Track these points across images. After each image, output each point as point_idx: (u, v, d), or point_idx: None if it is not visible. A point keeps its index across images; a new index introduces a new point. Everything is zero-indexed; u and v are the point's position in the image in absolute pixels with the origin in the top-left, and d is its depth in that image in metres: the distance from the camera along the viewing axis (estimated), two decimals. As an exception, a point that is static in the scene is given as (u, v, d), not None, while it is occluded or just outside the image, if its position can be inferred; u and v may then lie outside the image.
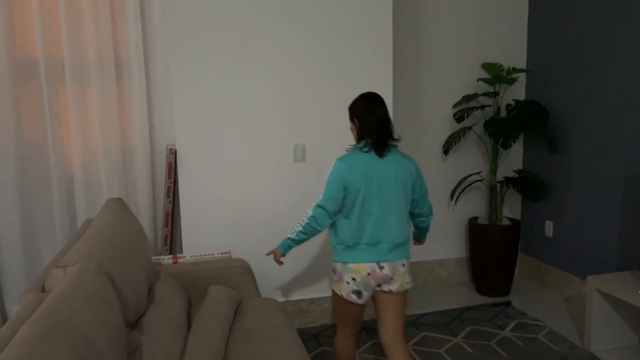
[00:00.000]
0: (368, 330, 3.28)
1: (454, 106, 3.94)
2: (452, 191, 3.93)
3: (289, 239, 2.37)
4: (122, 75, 3.13)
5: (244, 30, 3.04)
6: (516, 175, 3.96)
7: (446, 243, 4.10)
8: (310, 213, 2.27)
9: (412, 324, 3.36)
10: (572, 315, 3.45)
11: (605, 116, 3.33)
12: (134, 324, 1.89)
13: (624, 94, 3.19)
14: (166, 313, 2.12)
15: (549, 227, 3.89)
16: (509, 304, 3.67)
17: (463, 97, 3.86)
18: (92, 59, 3.00)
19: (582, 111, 3.52)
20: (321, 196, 2.24)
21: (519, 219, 4.20)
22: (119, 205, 2.38)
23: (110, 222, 2.18)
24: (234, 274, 2.79)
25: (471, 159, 4.06)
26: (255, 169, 3.16)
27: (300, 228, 2.31)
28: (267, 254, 2.50)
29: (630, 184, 3.14)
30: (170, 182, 3.06)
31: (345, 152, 2.43)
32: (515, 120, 3.67)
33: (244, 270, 2.82)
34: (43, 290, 1.80)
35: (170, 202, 3.07)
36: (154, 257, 2.87)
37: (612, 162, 3.29)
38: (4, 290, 3.03)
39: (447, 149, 3.83)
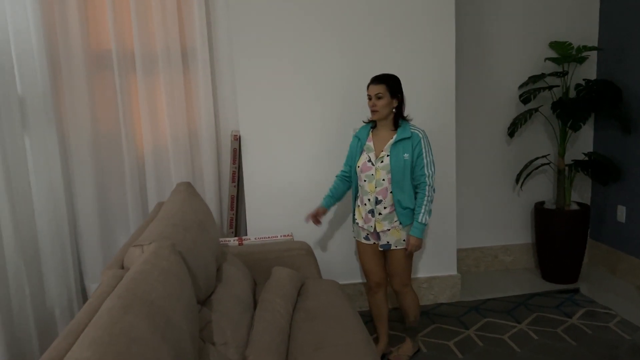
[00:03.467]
0: (430, 315, 3.27)
1: (520, 87, 3.81)
2: (517, 175, 3.82)
3: (424, 224, 2.51)
4: (188, 65, 3.24)
5: (306, 18, 3.07)
6: (586, 158, 3.79)
7: (510, 228, 4.00)
8: (432, 183, 2.51)
9: (475, 310, 3.32)
10: (646, 304, 3.30)
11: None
12: (204, 301, 1.99)
13: None
14: (233, 291, 2.21)
15: (621, 212, 3.71)
16: (577, 291, 3.54)
17: (529, 77, 3.72)
18: (160, 50, 3.12)
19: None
20: (432, 166, 2.51)
21: (588, 203, 4.03)
22: (188, 189, 2.49)
23: (180, 204, 2.29)
24: (296, 256, 2.86)
25: (538, 141, 3.92)
26: (316, 154, 3.20)
27: (431, 205, 2.52)
28: (409, 253, 2.59)
29: None
30: (235, 167, 3.16)
31: (410, 123, 2.59)
32: (585, 100, 3.51)
33: (306, 252, 2.88)
34: (122, 267, 1.92)
35: (235, 186, 3.18)
36: (220, 239, 2.99)
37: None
38: (83, 269, 3.24)
39: (512, 131, 3.71)
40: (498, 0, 3.70)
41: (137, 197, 3.23)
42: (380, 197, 2.54)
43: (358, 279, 3.39)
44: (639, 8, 3.44)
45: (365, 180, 2.57)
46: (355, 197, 2.70)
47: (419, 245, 2.53)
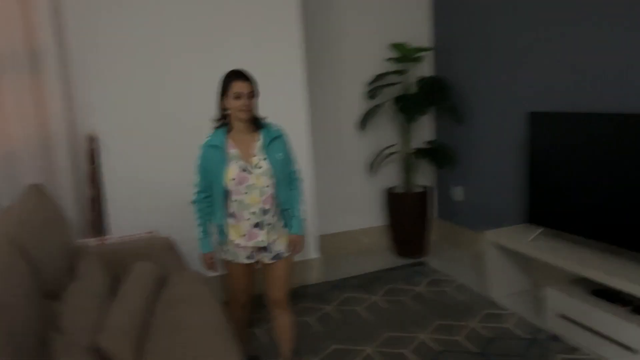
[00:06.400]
0: (296, 296, 3.51)
1: (369, 84, 4.19)
2: (370, 164, 4.20)
3: (304, 218, 2.45)
4: (39, 66, 3.17)
5: (156, 17, 3.16)
6: (426, 146, 4.27)
7: (367, 213, 4.39)
8: (300, 177, 2.47)
9: (336, 288, 3.63)
10: (477, 269, 3.81)
11: (499, 89, 3.68)
12: (55, 295, 2.03)
13: (515, 71, 3.53)
14: (89, 287, 2.26)
15: (459, 192, 4.24)
16: (424, 263, 4.00)
17: (376, 75, 4.12)
18: (5, 51, 3.03)
19: (481, 84, 3.86)
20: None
21: (433, 186, 4.54)
22: (39, 191, 2.48)
23: (29, 205, 2.28)
24: (159, 251, 2.94)
25: (386, 132, 4.34)
26: (175, 152, 3.29)
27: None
28: (296, 254, 2.49)
29: (521, 148, 3.49)
30: (93, 168, 3.16)
31: (265, 120, 2.41)
32: (420, 95, 3.97)
33: (169, 247, 2.97)
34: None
35: (94, 187, 3.17)
36: (81, 240, 2.98)
37: (507, 129, 3.65)
38: None
39: (363, 124, 4.09)
40: (344, 5, 4.05)
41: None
42: (267, 207, 2.31)
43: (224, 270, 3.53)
44: (463, 14, 3.97)
45: (245, 193, 2.28)
46: (224, 215, 2.35)
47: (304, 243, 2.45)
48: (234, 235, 2.35)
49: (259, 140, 2.31)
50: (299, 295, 3.53)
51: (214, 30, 3.29)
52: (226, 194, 2.30)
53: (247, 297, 2.53)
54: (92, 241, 2.96)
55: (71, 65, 3.28)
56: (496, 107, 3.73)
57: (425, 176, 4.53)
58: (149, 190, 3.28)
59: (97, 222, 3.21)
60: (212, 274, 2.66)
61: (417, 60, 4.06)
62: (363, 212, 4.38)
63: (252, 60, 3.37)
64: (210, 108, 3.31)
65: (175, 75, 3.24)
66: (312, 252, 3.74)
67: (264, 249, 2.39)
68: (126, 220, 3.24)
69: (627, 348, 2.41)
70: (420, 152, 4.09)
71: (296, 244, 2.43)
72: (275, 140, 2.33)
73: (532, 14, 3.32)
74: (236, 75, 2.27)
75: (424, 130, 4.46)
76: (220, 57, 3.32)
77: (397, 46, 4.07)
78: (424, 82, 4.07)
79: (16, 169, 3.17)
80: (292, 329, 2.56)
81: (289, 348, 2.57)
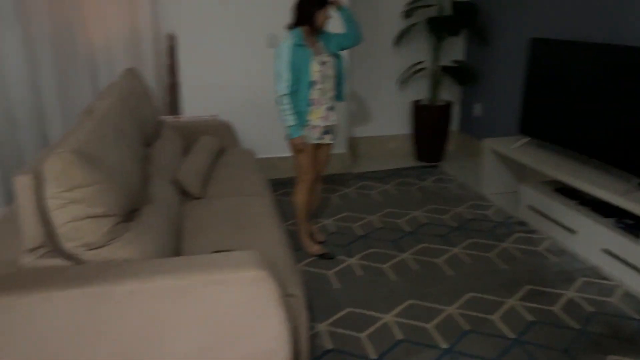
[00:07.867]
0: (325, 180, 4.32)
1: (406, 4, 4.71)
2: (399, 77, 4.81)
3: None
4: (130, -27, 3.92)
5: (226, -62, 3.80)
6: (452, 65, 4.81)
7: (396, 121, 5.06)
8: None
9: (358, 177, 4.41)
10: (480, 173, 4.47)
11: (516, 16, 4.14)
12: (147, 145, 2.91)
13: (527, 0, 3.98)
14: (169, 145, 3.14)
15: (478, 108, 4.82)
16: (436, 166, 4.70)
17: (415, -5, 4.63)
18: (106, -40, 3.79)
19: (504, 11, 4.31)
20: None
21: (456, 101, 5.12)
22: (133, 73, 3.32)
23: (127, 83, 3.13)
24: (219, 130, 3.79)
25: (419, 50, 4.90)
26: (239, 52, 4.05)
27: None
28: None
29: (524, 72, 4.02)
30: (172, 61, 3.97)
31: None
32: (451, 18, 4.47)
33: (227, 128, 3.81)
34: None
35: (172, 76, 4.00)
36: (160, 117, 3.86)
37: (519, 53, 4.15)
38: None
39: (397, 41, 4.66)
40: None
41: (87, 83, 4.01)
42: (333, 93, 2.90)
43: (272, 154, 4.38)
44: (497, -56, 4.35)
45: (324, 82, 2.80)
46: (307, 103, 2.79)
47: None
48: (313, 118, 2.85)
49: (320, 42, 2.85)
50: (326, 181, 4.35)
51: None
52: (310, 84, 2.78)
53: (314, 173, 2.99)
54: (169, 118, 3.84)
55: (156, -26, 4.01)
56: (513, 33, 4.21)
57: (450, 92, 5.10)
58: (215, 82, 4.08)
59: (173, 103, 4.07)
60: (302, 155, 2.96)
61: (453, -15, 4.51)
62: (391, 120, 5.05)
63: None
64: (267, 20, 4.00)
65: (239, -13, 3.92)
66: (341, 147, 4.51)
67: (328, 130, 2.94)
68: (196, 104, 4.09)
69: (569, 230, 3.10)
70: (446, 70, 4.65)
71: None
72: (330, 36, 2.88)
73: (553, -50, 3.72)
74: None
75: (455, 50, 4.98)
76: (277, -26, 3.96)
77: (435, -29, 4.52)
78: (456, 5, 4.54)
79: (113, 57, 4.03)
80: (320, 195, 3.32)
81: (314, 207, 3.35)
